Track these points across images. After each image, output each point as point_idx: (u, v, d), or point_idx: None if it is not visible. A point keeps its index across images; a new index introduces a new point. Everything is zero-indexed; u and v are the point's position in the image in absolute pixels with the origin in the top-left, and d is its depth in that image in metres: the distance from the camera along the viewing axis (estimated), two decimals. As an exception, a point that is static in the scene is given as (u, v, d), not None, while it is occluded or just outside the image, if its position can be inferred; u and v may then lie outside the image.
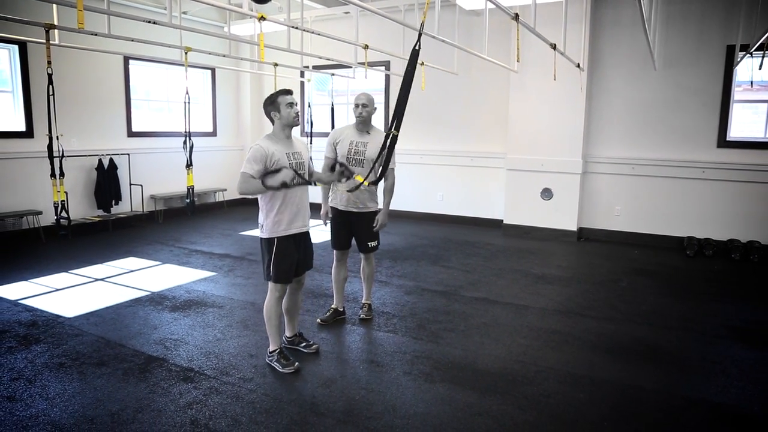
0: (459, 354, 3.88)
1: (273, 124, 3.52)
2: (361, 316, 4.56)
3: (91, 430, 2.88)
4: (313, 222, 3.84)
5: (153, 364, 3.66)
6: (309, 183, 3.51)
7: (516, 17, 4.45)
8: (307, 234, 3.71)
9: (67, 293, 5.17)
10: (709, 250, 6.91)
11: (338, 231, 4.37)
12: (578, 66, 6.38)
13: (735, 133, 7.07)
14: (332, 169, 3.92)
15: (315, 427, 2.92)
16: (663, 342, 4.18)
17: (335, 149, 4.22)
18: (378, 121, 9.52)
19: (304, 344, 3.91)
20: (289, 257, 3.53)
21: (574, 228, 7.78)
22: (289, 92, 3.50)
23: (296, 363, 3.60)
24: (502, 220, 8.33)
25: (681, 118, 7.22)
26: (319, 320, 4.48)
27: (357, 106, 4.16)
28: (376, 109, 4.28)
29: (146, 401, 3.18)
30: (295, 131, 3.73)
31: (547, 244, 7.54)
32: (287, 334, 3.94)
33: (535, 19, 4.85)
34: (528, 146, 7.90)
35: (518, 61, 5.12)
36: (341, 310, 4.58)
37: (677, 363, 3.82)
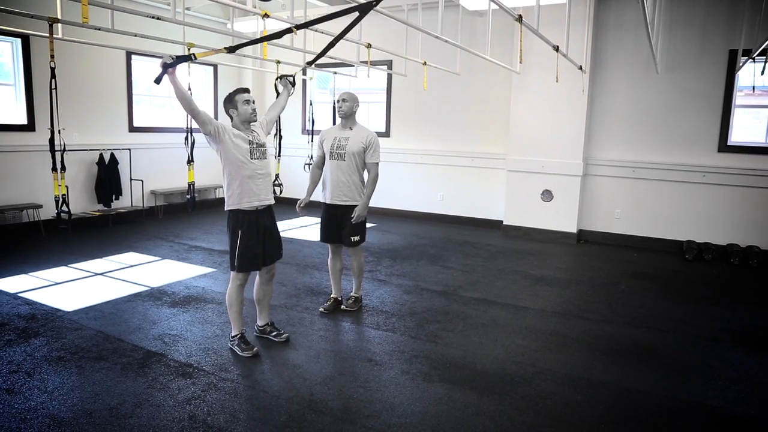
0: (457, 354, 3.88)
1: (231, 120, 3.72)
2: (343, 306, 4.73)
3: (90, 423, 2.89)
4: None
5: (152, 359, 3.67)
6: (189, 59, 3.37)
7: (519, 19, 4.45)
8: (272, 222, 3.85)
9: (67, 287, 5.17)
10: (709, 255, 6.92)
11: (326, 224, 4.53)
12: (580, 68, 6.39)
13: (736, 137, 7.08)
14: (319, 168, 4.53)
15: (313, 425, 2.92)
16: (661, 345, 4.19)
17: (322, 146, 4.48)
18: (379, 118, 9.53)
19: (275, 333, 4.04)
20: (252, 248, 3.69)
21: (573, 230, 7.79)
22: (246, 90, 3.73)
23: (255, 348, 3.79)
24: (502, 221, 8.33)
25: (682, 122, 7.22)
26: (321, 309, 4.68)
27: (338, 101, 4.43)
28: (358, 105, 4.48)
29: (145, 396, 3.19)
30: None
31: (547, 245, 7.55)
32: (259, 323, 4.10)
33: (538, 21, 4.85)
34: (529, 148, 7.90)
35: (521, 62, 5.12)
36: (340, 299, 4.78)
37: (675, 366, 3.82)
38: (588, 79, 7.26)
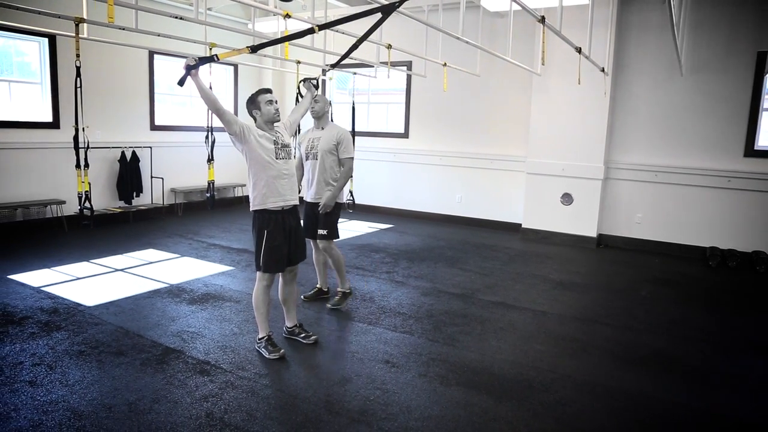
0: (475, 358, 3.85)
1: (255, 121, 3.73)
2: (328, 306, 4.76)
3: (109, 418, 2.92)
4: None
5: (170, 356, 3.70)
6: (212, 60, 3.37)
7: (542, 20, 4.40)
8: (297, 223, 3.87)
9: (88, 282, 5.24)
10: (733, 262, 6.79)
11: (305, 222, 4.60)
12: (603, 70, 6.31)
13: (763, 142, 6.93)
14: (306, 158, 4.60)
15: (329, 425, 2.92)
16: (684, 353, 4.11)
17: (300, 148, 4.68)
18: (398, 119, 9.52)
19: (303, 334, 4.03)
20: (279, 248, 3.69)
21: (593, 234, 7.70)
22: (268, 91, 3.73)
23: (282, 350, 3.76)
24: (520, 224, 8.27)
25: (707, 126, 7.10)
26: (302, 297, 4.90)
27: (311, 103, 4.38)
28: (330, 107, 4.73)
29: (163, 392, 3.21)
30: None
31: (566, 249, 7.47)
32: (287, 324, 4.08)
33: (560, 22, 4.81)
34: (549, 150, 7.83)
35: (543, 64, 5.08)
36: (325, 290, 5.01)
37: (698, 375, 3.75)
38: (610, 81, 7.18)
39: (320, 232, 4.56)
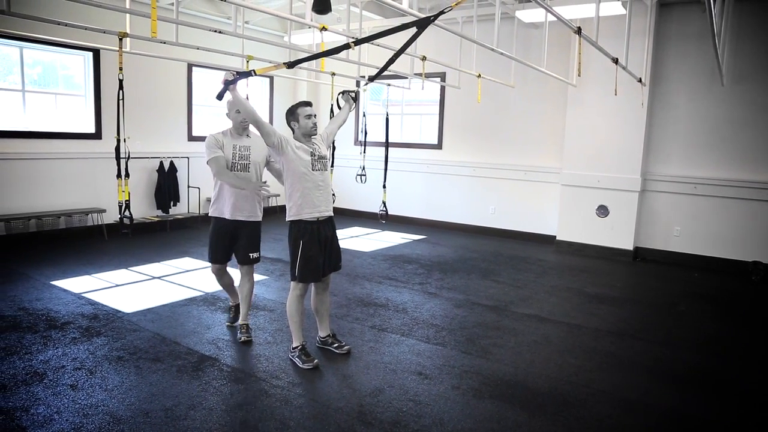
0: (509, 371, 3.81)
1: (293, 133, 3.78)
2: (241, 338, 4.16)
3: (146, 423, 2.98)
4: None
5: (206, 363, 3.76)
6: (250, 75, 3.39)
7: (578, 31, 4.37)
8: (333, 233, 3.89)
9: (127, 289, 5.37)
10: (777, 277, 6.57)
11: (220, 241, 4.20)
12: (640, 81, 6.21)
13: (808, 154, 6.71)
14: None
15: (362, 436, 2.92)
16: (724, 371, 3.98)
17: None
18: (431, 130, 9.52)
19: (336, 344, 4.04)
20: (314, 258, 3.71)
21: (630, 247, 7.54)
22: (308, 104, 3.80)
23: (315, 360, 3.76)
24: (555, 236, 8.16)
25: (749, 137, 6.90)
26: (226, 324, 4.49)
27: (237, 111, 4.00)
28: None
29: (198, 399, 3.26)
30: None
31: (602, 262, 7.34)
32: (320, 334, 4.09)
33: (597, 33, 4.76)
34: (584, 162, 7.73)
35: (579, 75, 5.03)
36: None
37: (740, 394, 3.63)
38: (648, 91, 7.06)
39: (253, 255, 4.20)
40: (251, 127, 3.97)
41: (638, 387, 3.66)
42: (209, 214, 4.31)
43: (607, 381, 3.72)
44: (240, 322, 4.24)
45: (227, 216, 4.14)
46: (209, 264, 4.40)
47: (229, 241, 4.19)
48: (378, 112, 9.91)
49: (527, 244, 8.36)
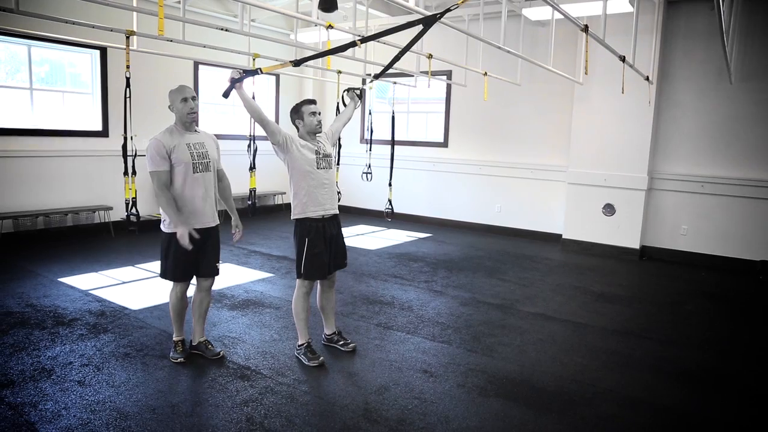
0: (514, 369, 3.80)
1: (298, 131, 3.77)
2: (220, 353, 3.84)
3: (153, 419, 2.99)
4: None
5: (212, 360, 3.77)
6: (256, 73, 3.45)
7: (585, 29, 4.35)
8: (338, 231, 3.89)
9: (133, 286, 5.39)
10: (785, 276, 6.53)
11: (190, 254, 3.55)
12: (647, 79, 6.18)
13: (817, 152, 6.66)
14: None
15: (367, 434, 2.92)
16: (731, 371, 3.97)
17: (171, 155, 3.64)
18: (437, 128, 9.51)
19: (342, 342, 4.05)
20: (320, 256, 3.71)
21: (636, 246, 7.51)
22: (312, 102, 3.79)
23: (321, 357, 3.78)
24: (561, 235, 8.14)
25: (757, 135, 6.85)
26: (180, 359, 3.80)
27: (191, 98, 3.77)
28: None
29: (204, 396, 3.28)
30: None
31: (608, 261, 7.32)
32: (326, 331, 4.11)
33: (604, 31, 4.74)
34: (591, 160, 7.70)
35: (586, 73, 5.01)
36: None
37: (747, 394, 3.61)
38: (655, 89, 7.03)
39: (219, 265, 3.83)
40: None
41: (645, 386, 3.64)
42: (167, 231, 3.73)
43: (613, 380, 3.71)
44: (200, 339, 3.83)
45: (197, 225, 3.60)
46: (169, 284, 3.77)
47: (195, 254, 3.57)
48: (384, 110, 9.90)
49: (533, 242, 8.34)
